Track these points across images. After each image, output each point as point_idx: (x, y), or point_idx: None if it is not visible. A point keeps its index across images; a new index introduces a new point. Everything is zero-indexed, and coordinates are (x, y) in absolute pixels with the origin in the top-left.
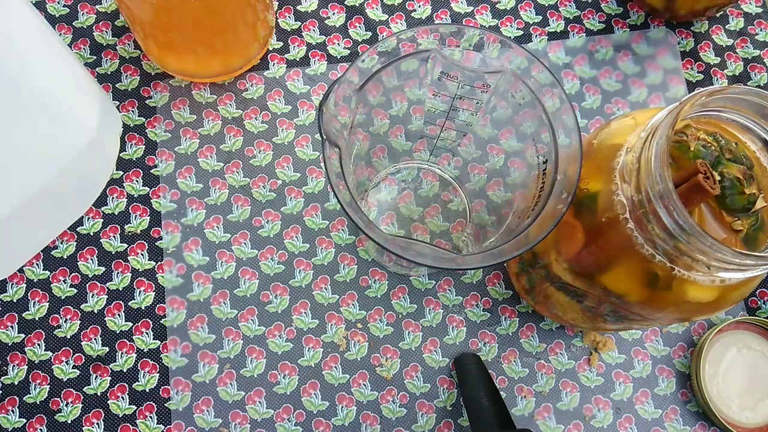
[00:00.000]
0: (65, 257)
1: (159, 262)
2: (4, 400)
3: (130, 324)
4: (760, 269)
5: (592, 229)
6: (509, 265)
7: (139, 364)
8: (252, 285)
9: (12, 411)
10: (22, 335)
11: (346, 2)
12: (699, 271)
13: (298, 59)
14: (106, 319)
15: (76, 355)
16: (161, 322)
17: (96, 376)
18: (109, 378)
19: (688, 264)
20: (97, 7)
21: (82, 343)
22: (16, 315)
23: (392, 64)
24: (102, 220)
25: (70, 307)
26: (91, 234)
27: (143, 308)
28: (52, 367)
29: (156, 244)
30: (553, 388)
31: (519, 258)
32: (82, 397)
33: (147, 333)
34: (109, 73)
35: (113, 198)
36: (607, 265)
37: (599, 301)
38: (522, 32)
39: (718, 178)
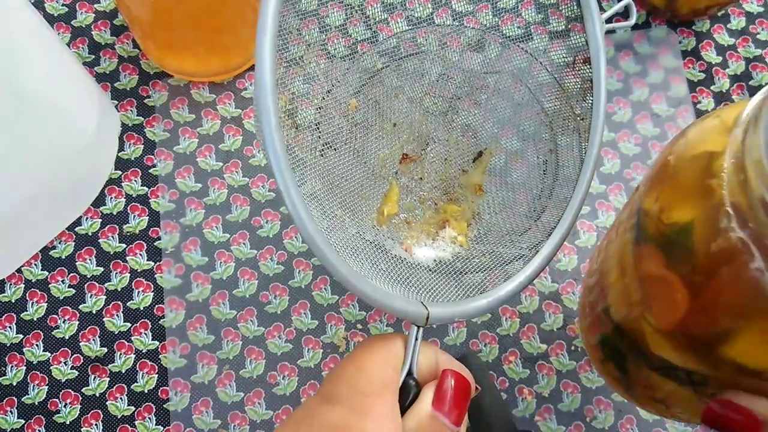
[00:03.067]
0: (63, 257)
1: (158, 263)
2: (3, 401)
3: (129, 325)
4: None
5: (694, 280)
6: (589, 348)
7: (137, 365)
8: (251, 285)
9: (10, 412)
10: (21, 336)
11: (345, 1)
12: None
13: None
14: (104, 319)
15: (75, 355)
16: (160, 322)
17: (95, 377)
18: (108, 379)
19: None
20: (95, 6)
21: (80, 344)
22: (14, 315)
23: (392, 64)
24: (100, 220)
25: (68, 307)
26: (90, 234)
27: (142, 309)
28: (51, 367)
29: (155, 244)
30: (554, 389)
31: (598, 335)
32: (81, 398)
33: (146, 334)
34: (107, 72)
35: (112, 198)
36: (730, 329)
37: (728, 384)
38: (523, 31)
39: None
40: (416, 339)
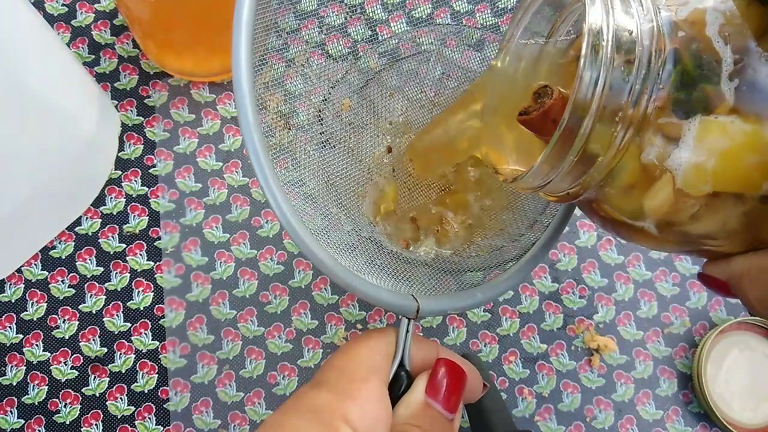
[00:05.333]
0: (63, 257)
1: (158, 263)
2: (3, 401)
3: (129, 325)
4: None
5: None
6: None
7: (137, 365)
8: (251, 285)
9: (10, 412)
10: (21, 336)
11: (345, 1)
12: None
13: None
14: (104, 319)
15: (75, 355)
16: (160, 322)
17: (94, 377)
18: (108, 379)
19: None
20: (95, 6)
21: (80, 344)
22: (14, 315)
23: (392, 63)
24: (100, 220)
25: (68, 307)
26: (90, 234)
27: (142, 309)
28: (51, 367)
29: (154, 244)
30: (554, 389)
31: None
32: (81, 398)
33: (146, 334)
34: (107, 72)
35: (112, 198)
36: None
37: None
38: None
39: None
40: (407, 331)
